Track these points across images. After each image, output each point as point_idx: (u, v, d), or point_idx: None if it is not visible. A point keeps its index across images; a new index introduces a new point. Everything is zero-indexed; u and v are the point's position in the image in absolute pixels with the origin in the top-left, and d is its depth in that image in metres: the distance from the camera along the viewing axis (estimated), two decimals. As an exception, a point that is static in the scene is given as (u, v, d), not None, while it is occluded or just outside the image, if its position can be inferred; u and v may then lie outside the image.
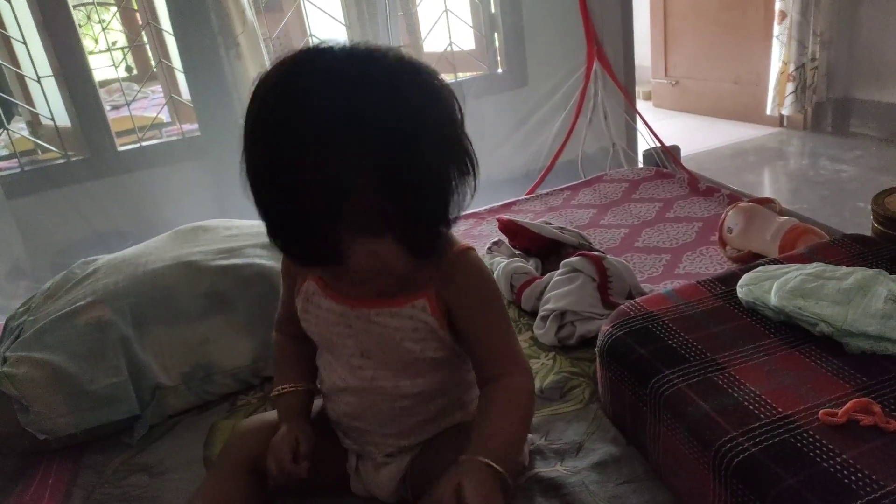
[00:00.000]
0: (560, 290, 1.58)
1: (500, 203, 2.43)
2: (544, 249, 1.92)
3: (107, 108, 2.84)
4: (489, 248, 2.01)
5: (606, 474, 1.14)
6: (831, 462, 0.90)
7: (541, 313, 1.57)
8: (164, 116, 3.22)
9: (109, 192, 2.67)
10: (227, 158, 2.67)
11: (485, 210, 2.38)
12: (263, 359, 1.51)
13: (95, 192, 2.65)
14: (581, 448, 1.20)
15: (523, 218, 2.03)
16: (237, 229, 1.71)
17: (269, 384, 1.50)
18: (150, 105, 4.00)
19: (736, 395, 1.05)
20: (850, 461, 0.90)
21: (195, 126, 2.88)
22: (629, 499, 1.09)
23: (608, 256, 1.64)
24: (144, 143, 2.82)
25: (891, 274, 1.22)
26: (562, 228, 1.95)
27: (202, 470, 1.25)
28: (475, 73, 3.23)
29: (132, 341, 1.41)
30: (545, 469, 1.15)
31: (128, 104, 2.90)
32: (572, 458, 1.18)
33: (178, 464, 1.27)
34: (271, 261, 1.57)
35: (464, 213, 2.40)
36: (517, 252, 1.93)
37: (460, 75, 3.18)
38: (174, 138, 2.91)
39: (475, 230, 2.25)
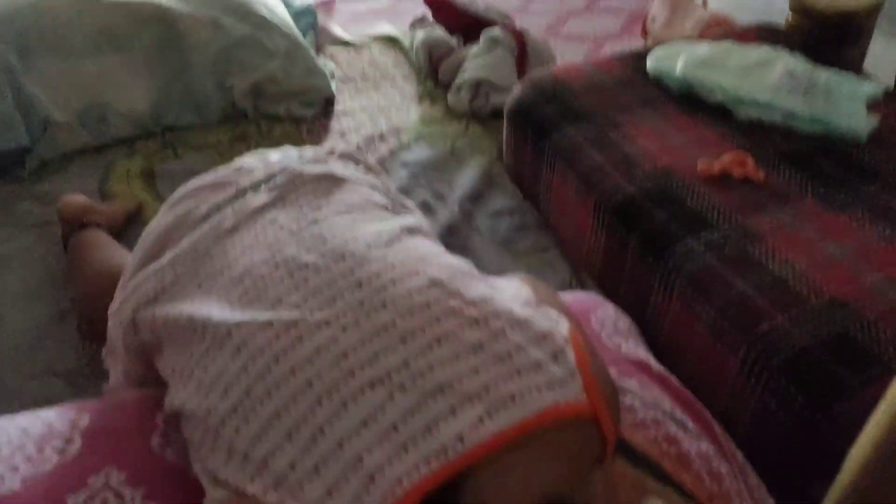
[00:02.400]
0: (477, 60, 1.55)
1: (427, -18, 2.30)
2: (467, 28, 1.85)
3: None
4: (412, 24, 1.92)
5: (500, 221, 1.21)
6: (699, 203, 0.98)
7: (456, 82, 1.55)
8: None
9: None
10: None
11: (411, -12, 2.25)
12: (163, 106, 1.45)
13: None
14: (480, 197, 1.26)
15: (449, -6, 1.94)
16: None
17: (170, 133, 1.45)
18: None
19: (625, 148, 1.10)
20: (716, 202, 0.98)
21: None
22: (518, 242, 1.17)
23: (529, 31, 1.61)
24: None
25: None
26: (487, 8, 1.88)
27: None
28: None
29: (17, 71, 1.31)
30: (443, 212, 1.21)
31: None
32: (469, 204, 1.23)
33: (71, 193, 1.24)
34: (171, 0, 1.45)
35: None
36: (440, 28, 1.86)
37: None
38: None
39: (400, 5, 2.14)
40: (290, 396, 0.47)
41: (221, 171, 0.72)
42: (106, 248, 0.99)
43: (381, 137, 1.45)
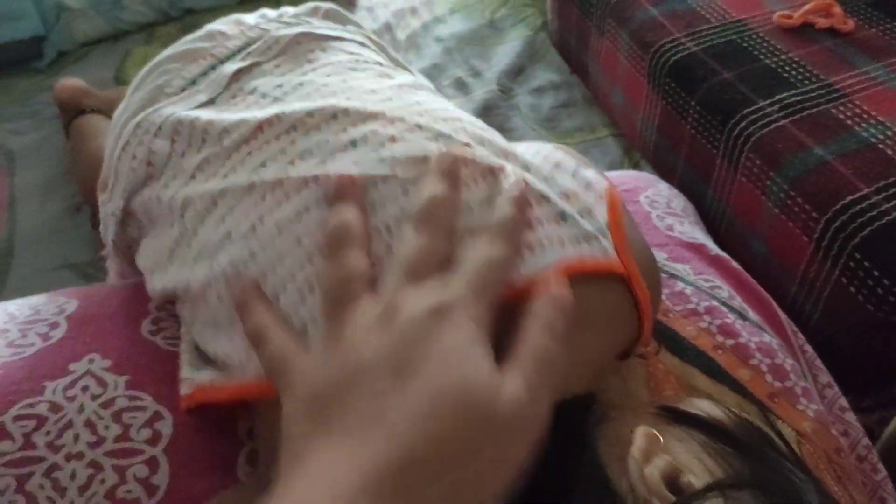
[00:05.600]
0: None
1: None
2: None
3: None
4: None
5: (543, 98, 1.08)
6: (775, 59, 0.83)
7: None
8: None
9: None
10: None
11: None
12: (182, -14, 1.35)
13: None
14: (521, 72, 1.13)
15: None
16: None
17: (189, 17, 1.36)
18: None
19: (688, 0, 0.94)
20: (796, 59, 0.83)
21: None
22: (563, 120, 1.05)
23: None
24: None
25: None
26: None
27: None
28: None
29: (23, -48, 1.23)
30: (480, 90, 1.09)
31: None
32: (509, 80, 1.11)
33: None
34: None
35: None
36: None
37: None
38: None
39: None
40: (277, 256, 0.41)
41: (193, 40, 0.64)
42: (103, 134, 0.93)
43: (413, 11, 1.31)
